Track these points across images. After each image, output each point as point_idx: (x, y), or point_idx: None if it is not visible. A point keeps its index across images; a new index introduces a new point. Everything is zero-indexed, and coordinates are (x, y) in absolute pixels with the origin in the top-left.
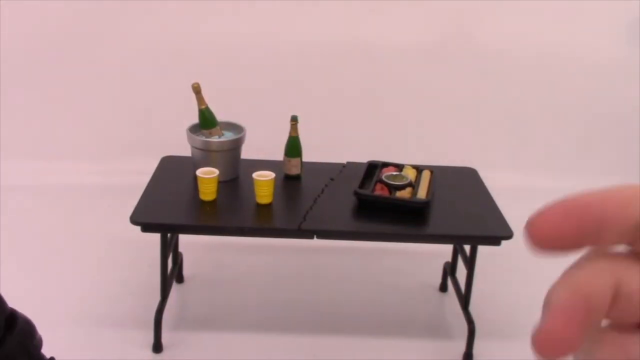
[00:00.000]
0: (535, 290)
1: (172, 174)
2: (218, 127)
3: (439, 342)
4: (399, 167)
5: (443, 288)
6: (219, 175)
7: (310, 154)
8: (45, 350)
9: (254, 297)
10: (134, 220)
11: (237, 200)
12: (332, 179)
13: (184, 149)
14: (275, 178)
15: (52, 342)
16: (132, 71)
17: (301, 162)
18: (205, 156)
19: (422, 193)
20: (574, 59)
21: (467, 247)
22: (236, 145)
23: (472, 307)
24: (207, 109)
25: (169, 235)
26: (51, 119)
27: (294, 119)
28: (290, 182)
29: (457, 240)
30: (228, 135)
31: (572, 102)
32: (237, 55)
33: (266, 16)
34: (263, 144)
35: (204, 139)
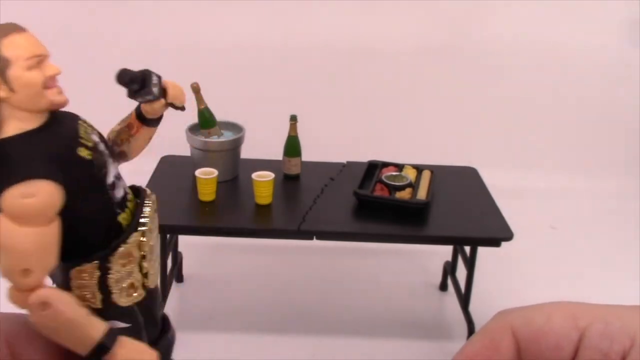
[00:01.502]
0: (535, 291)
1: (171, 173)
2: (217, 127)
3: (439, 342)
4: (399, 166)
5: (443, 287)
6: (218, 176)
7: (310, 153)
8: None
9: (254, 297)
10: None
11: (237, 201)
12: (332, 179)
13: (183, 149)
14: (275, 178)
15: None
16: None
17: (301, 161)
18: (204, 156)
19: (422, 193)
20: (574, 59)
21: (467, 247)
22: (235, 145)
23: (472, 307)
24: (207, 108)
25: (168, 235)
26: None
27: (293, 119)
28: (289, 182)
29: (456, 242)
30: (227, 135)
31: (572, 102)
32: (237, 55)
33: (266, 16)
34: (262, 143)
35: (203, 138)
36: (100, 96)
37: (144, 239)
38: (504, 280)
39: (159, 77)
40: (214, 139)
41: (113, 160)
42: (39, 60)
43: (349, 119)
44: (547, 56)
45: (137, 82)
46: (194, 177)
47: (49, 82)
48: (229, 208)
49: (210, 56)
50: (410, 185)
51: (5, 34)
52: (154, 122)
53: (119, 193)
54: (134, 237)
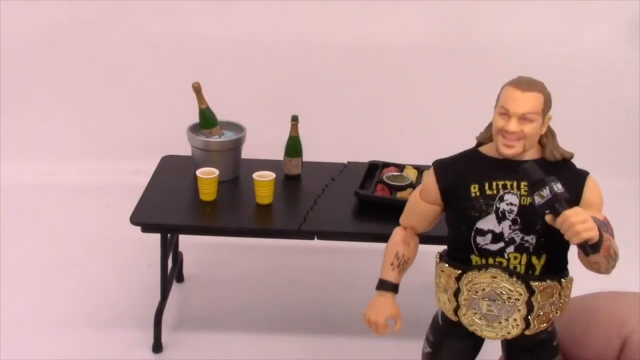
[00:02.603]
0: None
1: (172, 173)
2: (218, 127)
3: None
4: (400, 167)
5: None
6: (219, 176)
7: (310, 153)
8: (45, 350)
9: (254, 297)
10: (134, 220)
11: (237, 201)
12: (332, 179)
13: (184, 149)
14: (276, 178)
15: (52, 342)
16: (132, 71)
17: (302, 162)
18: (205, 156)
19: None
20: (573, 59)
21: None
22: (236, 145)
23: None
24: (208, 108)
25: (169, 235)
26: (51, 119)
27: (295, 119)
28: (290, 182)
29: None
30: (228, 135)
31: (572, 102)
32: (238, 55)
33: (267, 16)
34: (263, 144)
35: (204, 138)
36: (103, 95)
37: (467, 289)
38: None
39: (555, 197)
40: (215, 138)
41: (513, 226)
42: (505, 112)
43: (350, 119)
44: (547, 56)
45: (528, 181)
46: (195, 177)
47: (503, 133)
48: (230, 208)
49: (211, 56)
50: (411, 185)
51: (511, 83)
52: (587, 248)
53: (489, 245)
54: (449, 271)
